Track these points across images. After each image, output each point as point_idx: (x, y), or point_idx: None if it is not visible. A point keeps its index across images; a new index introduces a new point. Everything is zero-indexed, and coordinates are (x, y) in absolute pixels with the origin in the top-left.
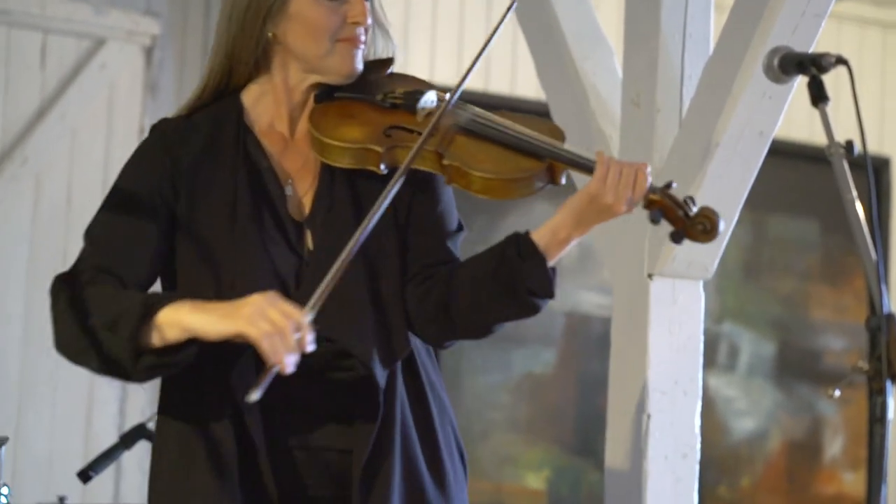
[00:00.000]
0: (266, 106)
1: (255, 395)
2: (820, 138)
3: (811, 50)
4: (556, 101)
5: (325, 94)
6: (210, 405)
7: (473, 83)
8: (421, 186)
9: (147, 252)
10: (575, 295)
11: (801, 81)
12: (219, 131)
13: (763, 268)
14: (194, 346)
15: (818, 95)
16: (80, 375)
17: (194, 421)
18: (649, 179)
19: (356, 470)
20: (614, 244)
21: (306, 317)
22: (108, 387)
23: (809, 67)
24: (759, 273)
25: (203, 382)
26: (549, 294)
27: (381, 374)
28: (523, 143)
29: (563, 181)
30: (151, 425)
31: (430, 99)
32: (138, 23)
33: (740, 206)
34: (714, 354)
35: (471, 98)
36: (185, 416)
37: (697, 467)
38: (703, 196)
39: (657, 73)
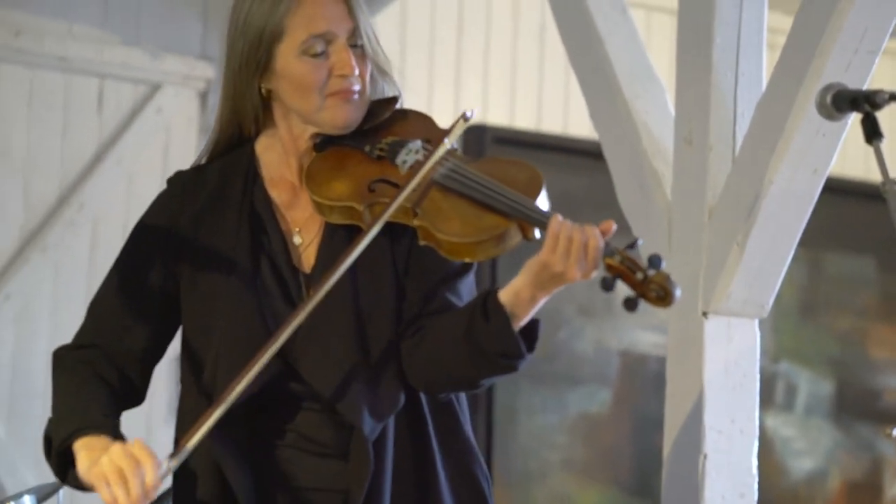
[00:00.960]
0: (275, 155)
1: None
2: (875, 175)
3: (865, 87)
4: (608, 139)
5: (325, 142)
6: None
7: (525, 123)
8: (417, 253)
9: (146, 322)
10: (630, 334)
11: (854, 118)
12: (228, 181)
13: (819, 306)
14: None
15: (872, 132)
16: (137, 420)
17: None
18: (601, 245)
19: None
20: None
21: (160, 467)
22: (164, 428)
23: (863, 104)
24: (815, 311)
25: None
26: (518, 354)
27: (370, 429)
28: (491, 200)
29: (538, 236)
30: None
31: (412, 149)
32: (193, 67)
33: (795, 244)
34: (771, 394)
35: (523, 138)
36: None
37: None
38: (758, 235)
39: (710, 110)
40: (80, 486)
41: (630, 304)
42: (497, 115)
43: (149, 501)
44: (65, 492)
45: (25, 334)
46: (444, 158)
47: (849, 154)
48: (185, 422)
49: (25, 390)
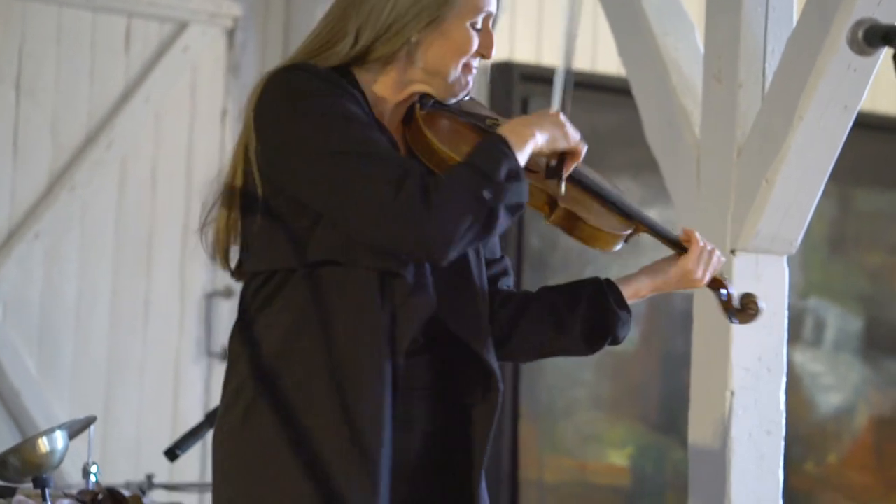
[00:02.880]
0: (376, 91)
1: (562, 189)
2: None
3: None
4: (637, 77)
5: (433, 104)
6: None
7: (554, 60)
8: None
9: None
10: None
11: (886, 53)
12: (358, 97)
13: (849, 242)
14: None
15: None
16: (167, 356)
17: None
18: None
19: (478, 453)
20: (696, 221)
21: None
22: (193, 366)
23: (894, 39)
24: (845, 247)
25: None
26: (620, 342)
27: (495, 364)
28: (618, 204)
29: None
30: None
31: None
32: (220, 5)
33: (825, 181)
34: (800, 330)
35: (550, 75)
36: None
37: (783, 444)
38: (787, 172)
39: (739, 47)
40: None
41: (731, 318)
42: (524, 53)
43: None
44: (96, 427)
45: (54, 272)
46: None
47: (880, 89)
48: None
49: (55, 328)
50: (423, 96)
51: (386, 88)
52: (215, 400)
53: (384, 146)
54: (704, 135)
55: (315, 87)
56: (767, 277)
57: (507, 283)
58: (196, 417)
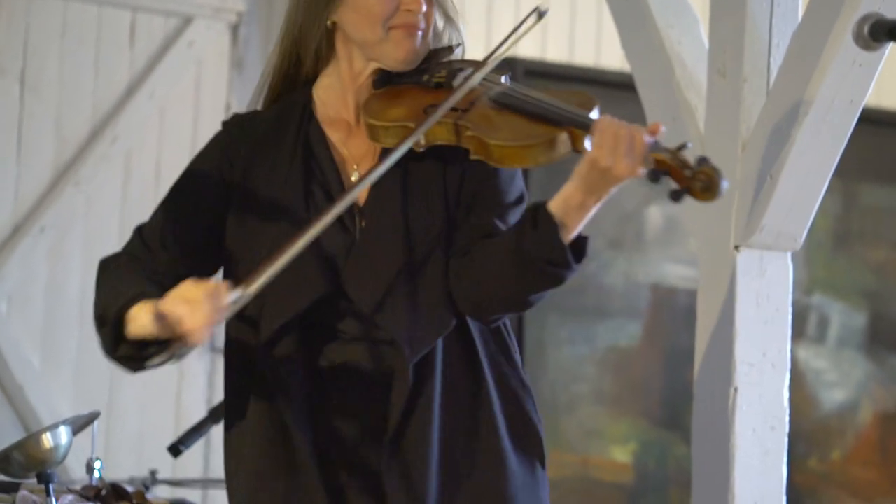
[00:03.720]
0: (332, 94)
1: (155, 361)
2: None
3: None
4: (641, 71)
5: (383, 80)
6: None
7: (558, 55)
8: (472, 162)
9: (190, 252)
10: (660, 267)
11: (892, 48)
12: (283, 121)
13: (853, 237)
14: (155, 346)
15: None
16: None
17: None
18: (648, 139)
19: (387, 433)
20: (700, 215)
21: (232, 293)
22: (197, 362)
23: None
24: (849, 243)
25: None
26: (564, 263)
27: (409, 348)
28: (541, 111)
29: (588, 147)
30: None
31: (470, 71)
32: (224, 0)
33: (829, 177)
34: (803, 326)
35: (555, 70)
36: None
37: (786, 440)
38: (791, 167)
39: (744, 41)
40: (134, 352)
41: (676, 196)
42: (528, 48)
43: (215, 323)
44: (99, 423)
45: (59, 267)
46: (496, 82)
47: (885, 84)
48: (231, 356)
49: (59, 322)
50: (377, 72)
51: (342, 85)
52: (219, 395)
53: (151, 229)
54: (709, 130)
55: (198, 153)
56: (771, 273)
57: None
58: (199, 413)
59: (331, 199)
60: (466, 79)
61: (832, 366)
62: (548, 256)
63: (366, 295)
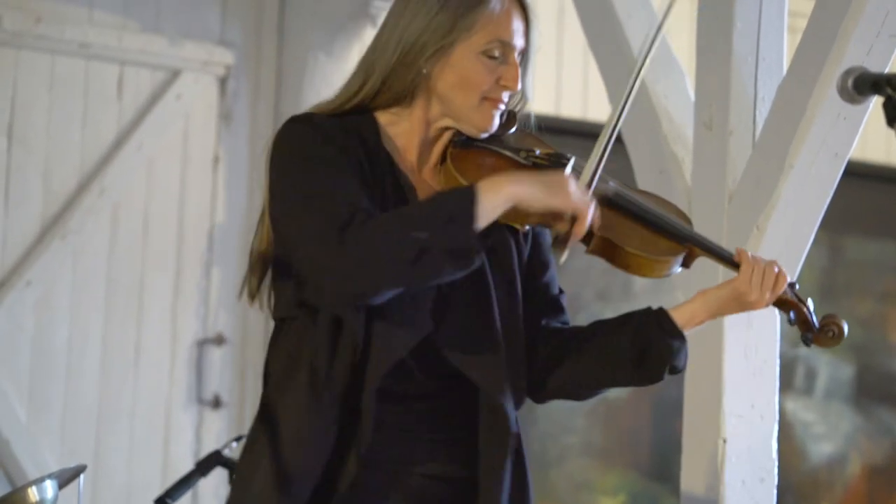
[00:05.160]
0: (400, 132)
1: (564, 257)
2: None
3: (887, 70)
4: (628, 124)
5: (464, 141)
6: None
7: (544, 108)
8: (536, 248)
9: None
10: None
11: (876, 102)
12: (366, 140)
13: (840, 290)
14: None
15: (894, 116)
16: (158, 403)
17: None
18: (788, 279)
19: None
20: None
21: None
22: (184, 414)
23: (885, 88)
24: (835, 295)
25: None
26: (681, 371)
27: (510, 409)
28: (666, 226)
29: (681, 267)
30: (227, 452)
31: (576, 165)
32: (212, 53)
33: (815, 229)
34: (791, 378)
35: (542, 123)
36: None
37: (775, 492)
38: (778, 219)
39: (730, 95)
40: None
41: (807, 341)
42: (543, 104)
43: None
44: (86, 476)
45: (46, 320)
46: (606, 179)
47: (869, 138)
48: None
49: (46, 375)
50: (456, 133)
51: (410, 127)
52: (206, 448)
53: (345, 190)
54: (696, 182)
55: (305, 139)
56: (759, 325)
57: (561, 320)
58: (187, 466)
59: None
60: (595, 169)
61: (820, 418)
62: (677, 364)
63: (467, 361)
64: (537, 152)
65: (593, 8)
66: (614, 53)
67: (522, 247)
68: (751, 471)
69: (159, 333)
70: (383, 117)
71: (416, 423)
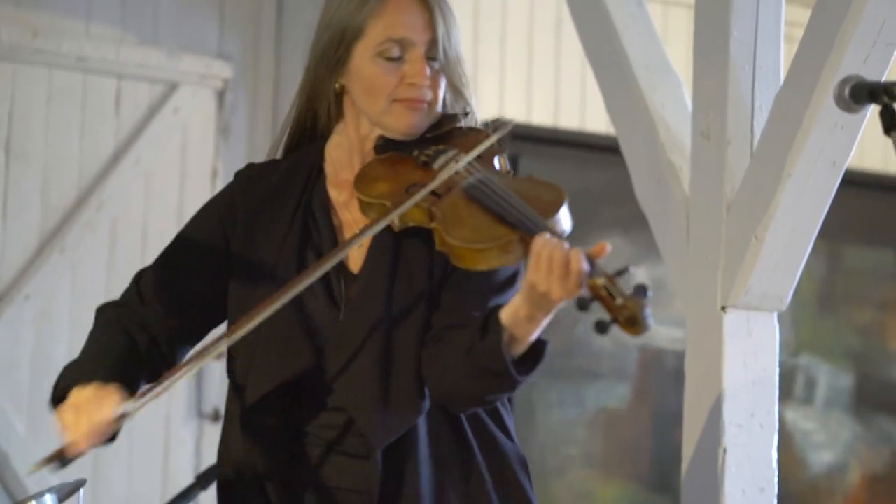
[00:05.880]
0: (341, 154)
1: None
2: (894, 167)
3: (883, 79)
4: (625, 134)
5: (385, 145)
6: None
7: (543, 119)
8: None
9: (187, 303)
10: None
11: (873, 111)
12: (292, 177)
13: (839, 299)
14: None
15: (891, 124)
16: (157, 417)
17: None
18: (584, 266)
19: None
20: (687, 277)
21: (119, 409)
22: (184, 427)
23: (882, 96)
24: (834, 304)
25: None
26: (506, 374)
27: (380, 438)
28: (503, 212)
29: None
30: None
31: (450, 156)
32: (210, 66)
33: (814, 238)
34: (791, 387)
35: (540, 134)
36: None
37: (776, 501)
38: (776, 228)
39: (727, 104)
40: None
41: (600, 328)
42: (514, 112)
43: (100, 435)
44: (86, 490)
45: (45, 334)
46: (476, 169)
47: (867, 146)
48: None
49: (45, 389)
50: (379, 138)
51: (348, 143)
52: (206, 461)
53: (149, 276)
54: (694, 191)
55: (204, 208)
56: (758, 334)
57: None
58: (187, 479)
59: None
60: (446, 163)
61: (820, 427)
62: (491, 366)
63: (341, 381)
64: (430, 150)
65: (591, 19)
66: (612, 64)
67: (440, 259)
68: (751, 480)
69: None
70: (333, 143)
71: (321, 435)
